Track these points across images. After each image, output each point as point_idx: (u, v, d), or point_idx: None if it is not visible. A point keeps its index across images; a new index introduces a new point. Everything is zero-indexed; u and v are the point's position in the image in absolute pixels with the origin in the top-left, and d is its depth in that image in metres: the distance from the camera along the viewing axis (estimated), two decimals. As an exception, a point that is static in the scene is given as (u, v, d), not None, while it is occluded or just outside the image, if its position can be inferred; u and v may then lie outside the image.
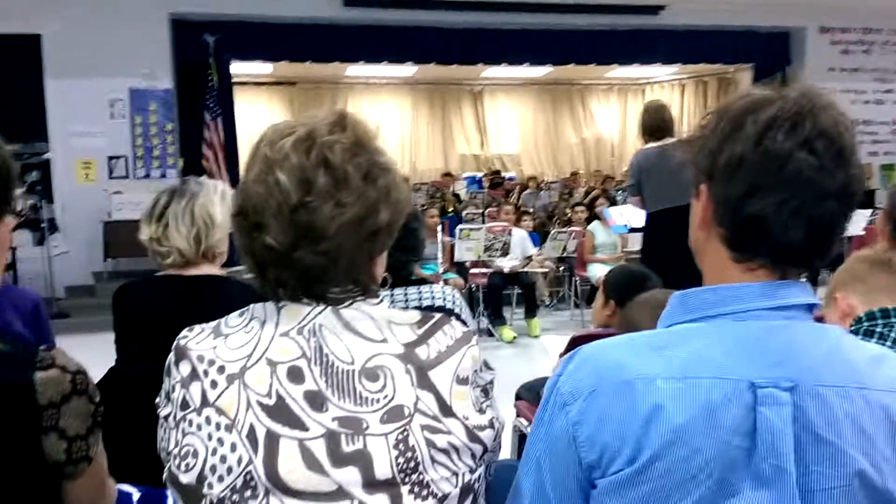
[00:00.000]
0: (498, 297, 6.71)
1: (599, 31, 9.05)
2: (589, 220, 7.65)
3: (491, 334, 6.57)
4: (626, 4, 8.67)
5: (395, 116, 13.44)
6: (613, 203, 7.83)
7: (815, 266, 0.84)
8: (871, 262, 1.82)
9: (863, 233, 6.82)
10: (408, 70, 11.42)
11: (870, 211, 6.94)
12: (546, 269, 7.38)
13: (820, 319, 1.77)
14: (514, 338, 6.45)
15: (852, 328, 1.73)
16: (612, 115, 14.54)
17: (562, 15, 8.72)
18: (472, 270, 6.83)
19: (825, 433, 0.76)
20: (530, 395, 2.84)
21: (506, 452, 2.66)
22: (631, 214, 6.74)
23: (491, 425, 0.91)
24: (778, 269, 0.82)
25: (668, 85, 13.81)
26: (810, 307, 0.83)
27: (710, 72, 12.41)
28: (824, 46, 9.65)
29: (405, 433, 0.85)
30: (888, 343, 1.66)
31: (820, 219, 0.79)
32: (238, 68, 9.30)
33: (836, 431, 0.76)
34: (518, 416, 2.87)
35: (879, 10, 9.22)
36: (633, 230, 6.79)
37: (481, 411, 0.90)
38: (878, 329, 1.69)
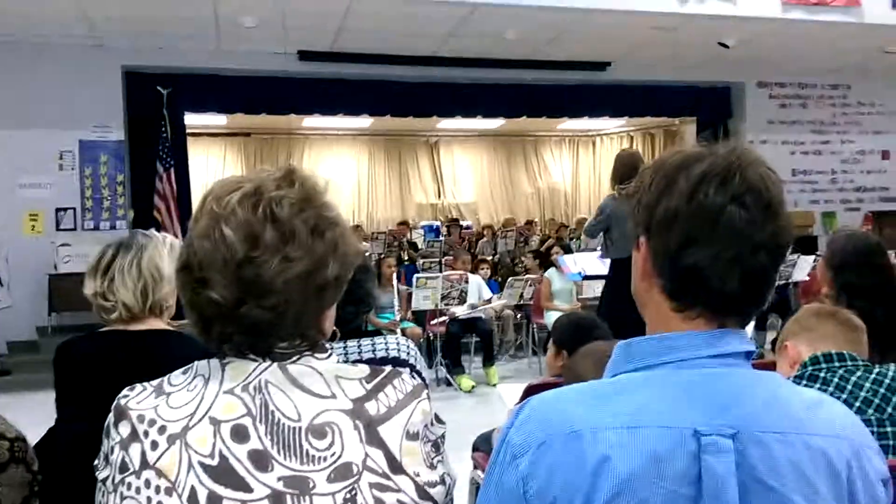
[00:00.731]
0: (456, 346, 6.69)
1: (549, 86, 9.32)
2: (544, 268, 7.75)
3: (449, 384, 6.52)
4: (575, 60, 8.97)
5: (352, 166, 13.52)
6: (568, 251, 7.96)
7: (752, 314, 0.86)
8: (819, 313, 1.90)
9: (807, 278, 7.06)
10: (364, 121, 11.53)
11: (812, 257, 7.19)
12: (501, 309, 7.41)
13: (769, 366, 1.82)
14: (473, 387, 6.41)
15: (798, 373, 1.78)
16: (565, 165, 14.90)
17: (513, 70, 8.97)
18: (433, 322, 6.82)
19: (768, 479, 0.77)
20: (488, 445, 2.82)
21: (463, 506, 2.62)
22: (585, 262, 6.85)
23: (442, 481, 0.90)
24: (716, 318, 0.84)
25: (616, 136, 14.23)
26: (748, 355, 0.85)
27: (656, 124, 12.85)
28: (763, 100, 10.11)
29: (353, 492, 0.83)
30: (830, 388, 1.71)
31: (753, 270, 0.82)
32: (192, 119, 9.26)
33: (779, 477, 0.77)
34: (475, 467, 2.84)
35: (812, 67, 9.73)
36: (586, 278, 6.89)
37: (432, 467, 0.89)
38: (822, 374, 1.74)
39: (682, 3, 7.39)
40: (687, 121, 11.21)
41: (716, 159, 0.83)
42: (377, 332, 2.06)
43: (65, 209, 7.85)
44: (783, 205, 0.84)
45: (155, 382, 0.91)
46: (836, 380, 1.71)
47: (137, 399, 0.89)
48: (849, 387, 1.70)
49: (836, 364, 1.74)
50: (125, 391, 0.91)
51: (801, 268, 7.24)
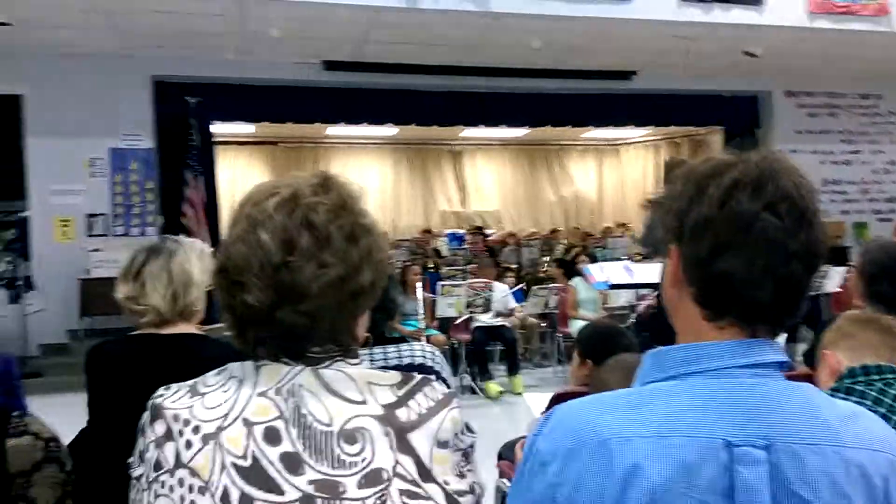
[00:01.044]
0: (482, 354, 6.68)
1: (574, 95, 9.30)
2: (569, 276, 7.71)
3: (473, 392, 6.51)
4: (600, 70, 8.94)
5: (377, 175, 13.59)
6: (594, 259, 7.91)
7: (784, 324, 0.84)
8: (860, 320, 1.85)
9: (839, 290, 6.93)
10: (388, 130, 11.60)
11: (844, 268, 7.06)
12: (522, 320, 7.38)
13: (801, 378, 1.79)
14: (501, 393, 6.39)
15: (834, 386, 1.74)
16: (589, 174, 14.83)
17: (537, 80, 8.97)
18: (456, 323, 6.81)
19: (801, 491, 0.76)
20: (513, 454, 2.80)
21: (487, 515, 2.61)
22: (611, 271, 6.80)
23: (471, 490, 0.89)
24: (748, 327, 0.83)
25: (642, 146, 14.13)
26: (781, 365, 0.84)
27: (682, 133, 12.74)
28: (791, 109, 9.99)
29: (383, 498, 0.84)
30: (868, 402, 1.67)
31: (786, 278, 0.81)
32: (220, 128, 9.39)
33: (813, 489, 0.76)
34: (501, 476, 2.83)
35: (841, 76, 9.60)
36: (613, 287, 6.84)
37: (461, 476, 0.89)
38: (860, 387, 1.70)
39: (707, 12, 7.34)
40: (713, 130, 11.10)
41: (748, 167, 0.82)
42: (402, 339, 2.07)
43: (96, 215, 8.00)
44: (818, 214, 0.83)
45: (190, 383, 0.92)
46: (873, 393, 1.67)
47: (172, 399, 0.90)
48: (887, 400, 1.65)
49: (875, 377, 1.69)
50: (160, 391, 0.92)
51: (832, 279, 7.11)
